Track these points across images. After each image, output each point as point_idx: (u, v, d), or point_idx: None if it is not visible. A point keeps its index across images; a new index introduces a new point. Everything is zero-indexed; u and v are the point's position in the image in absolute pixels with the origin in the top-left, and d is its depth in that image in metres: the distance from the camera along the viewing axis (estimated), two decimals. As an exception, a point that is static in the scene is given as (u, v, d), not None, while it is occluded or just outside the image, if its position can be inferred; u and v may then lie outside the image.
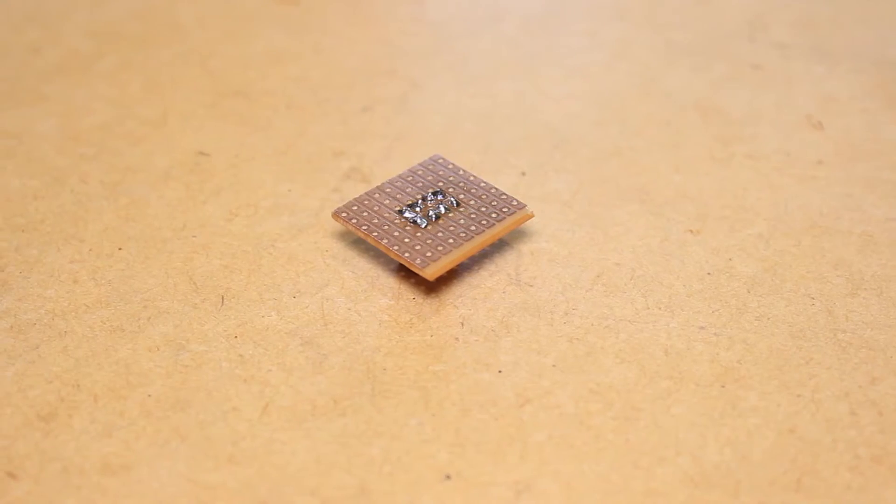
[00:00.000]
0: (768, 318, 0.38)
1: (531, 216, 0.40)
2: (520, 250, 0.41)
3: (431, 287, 0.39)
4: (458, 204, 0.40)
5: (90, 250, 0.41)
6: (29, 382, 0.36)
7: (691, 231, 0.42)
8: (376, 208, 0.40)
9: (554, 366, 0.37)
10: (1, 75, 0.48)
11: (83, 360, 0.37)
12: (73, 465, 0.34)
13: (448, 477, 0.34)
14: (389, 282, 0.40)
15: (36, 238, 0.41)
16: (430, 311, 0.39)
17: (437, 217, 0.39)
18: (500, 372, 0.37)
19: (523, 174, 0.44)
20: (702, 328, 0.38)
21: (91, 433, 0.35)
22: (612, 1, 0.55)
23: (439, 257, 0.38)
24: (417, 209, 0.40)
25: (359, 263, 0.40)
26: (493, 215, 0.40)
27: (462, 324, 0.38)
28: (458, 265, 0.40)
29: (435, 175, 0.41)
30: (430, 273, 0.38)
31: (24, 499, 0.33)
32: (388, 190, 0.41)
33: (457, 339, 0.38)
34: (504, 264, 0.40)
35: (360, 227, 0.39)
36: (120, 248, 0.41)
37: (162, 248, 0.41)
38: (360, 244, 0.41)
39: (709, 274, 0.40)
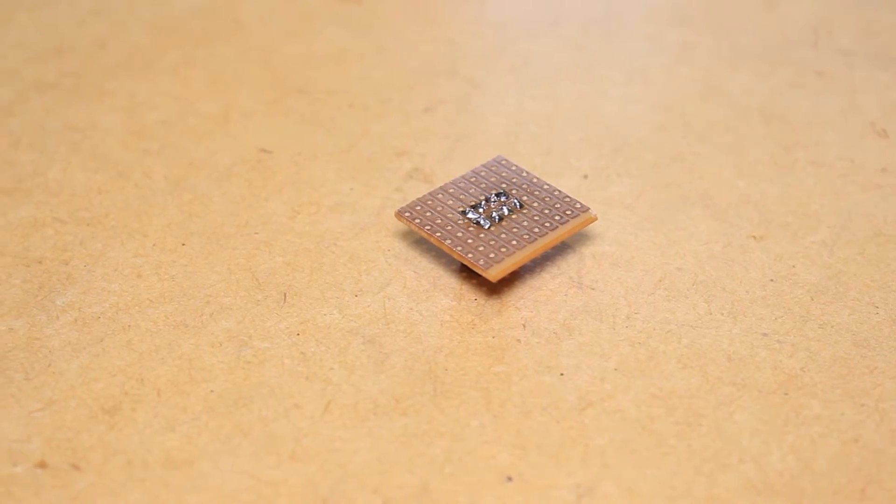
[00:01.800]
0: (832, 326, 0.38)
1: (595, 219, 0.40)
2: (582, 253, 0.41)
3: (493, 289, 0.39)
4: (521, 206, 0.40)
5: (154, 245, 0.41)
6: (93, 375, 0.37)
7: (754, 237, 0.42)
8: (439, 209, 0.40)
9: (616, 369, 0.37)
10: (67, 70, 0.49)
11: (147, 355, 0.37)
12: (136, 459, 0.34)
13: (509, 479, 0.34)
14: (451, 282, 0.40)
15: (100, 232, 0.41)
16: (491, 312, 0.39)
17: (501, 218, 0.39)
18: (561, 374, 0.37)
19: (585, 177, 0.44)
20: (765, 335, 0.38)
21: (154, 427, 0.35)
22: (674, 4, 0.54)
23: (503, 258, 0.38)
24: (481, 210, 0.40)
25: (420, 263, 0.40)
26: (557, 217, 0.40)
27: (524, 326, 0.38)
28: (520, 267, 0.40)
29: (498, 176, 0.41)
30: (494, 274, 0.38)
31: (88, 490, 0.34)
32: (451, 190, 0.41)
33: (519, 340, 0.38)
34: (566, 267, 0.40)
35: (424, 226, 0.39)
36: (183, 244, 0.41)
37: (225, 245, 0.41)
38: (422, 244, 0.41)
39: (772, 280, 0.40)
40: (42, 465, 0.34)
